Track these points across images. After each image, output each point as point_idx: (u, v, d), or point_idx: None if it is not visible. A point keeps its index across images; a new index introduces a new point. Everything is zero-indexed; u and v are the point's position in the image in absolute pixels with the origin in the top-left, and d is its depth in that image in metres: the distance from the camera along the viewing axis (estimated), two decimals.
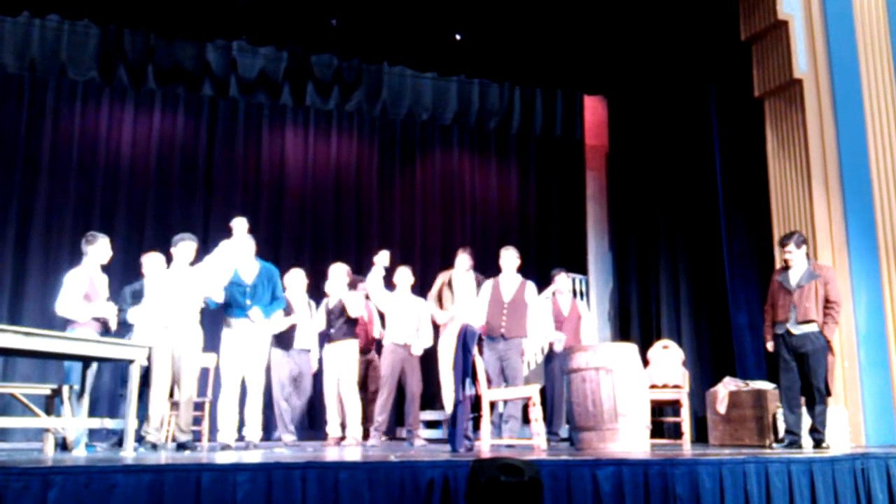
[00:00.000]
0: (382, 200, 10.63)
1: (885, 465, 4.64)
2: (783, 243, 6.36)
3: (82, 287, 6.13)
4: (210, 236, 9.64)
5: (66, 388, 5.52)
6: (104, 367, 6.50)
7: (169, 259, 6.64)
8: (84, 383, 5.54)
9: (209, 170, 9.88)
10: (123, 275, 8.08)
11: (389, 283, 7.77)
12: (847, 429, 6.83)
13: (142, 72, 9.54)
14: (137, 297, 6.66)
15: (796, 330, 6.12)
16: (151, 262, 7.00)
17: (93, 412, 5.75)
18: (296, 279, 7.83)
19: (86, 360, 5.51)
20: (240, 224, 7.01)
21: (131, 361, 5.36)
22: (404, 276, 7.79)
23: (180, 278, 6.34)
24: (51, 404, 5.58)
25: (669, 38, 9.21)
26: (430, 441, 8.14)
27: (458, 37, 9.46)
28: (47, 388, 5.68)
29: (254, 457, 4.51)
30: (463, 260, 7.82)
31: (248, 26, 9.27)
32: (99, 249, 6.32)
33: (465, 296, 7.68)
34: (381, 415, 7.47)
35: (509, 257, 7.63)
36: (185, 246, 6.45)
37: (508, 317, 7.36)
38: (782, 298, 6.23)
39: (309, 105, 10.35)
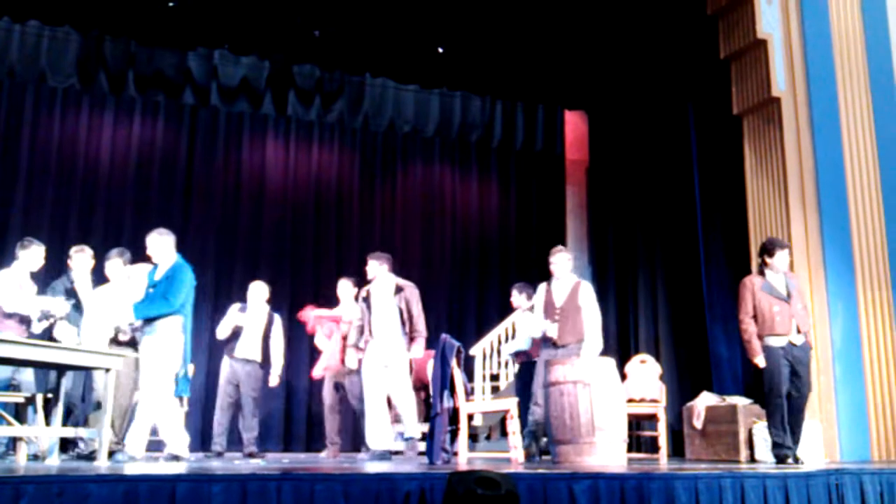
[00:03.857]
0: (363, 212, 10.62)
1: (858, 481, 4.68)
2: (782, 246, 6.06)
3: (14, 285, 6.07)
4: (188, 245, 9.59)
5: (39, 397, 5.46)
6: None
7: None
8: (58, 391, 5.48)
9: (189, 178, 9.83)
10: (98, 282, 8.01)
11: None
12: (822, 444, 6.88)
13: (122, 79, 9.50)
14: (72, 296, 6.40)
15: (798, 341, 5.88)
16: (82, 260, 6.62)
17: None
18: (256, 291, 7.78)
19: (60, 369, 5.45)
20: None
21: (107, 370, 5.31)
22: (346, 288, 7.85)
23: (121, 296, 6.11)
24: (23, 412, 5.51)
25: (650, 55, 9.29)
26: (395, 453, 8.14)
27: (440, 50, 9.50)
28: (20, 396, 5.61)
29: (228, 468, 4.48)
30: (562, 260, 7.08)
31: (230, 35, 9.26)
32: (31, 256, 6.23)
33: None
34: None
35: (563, 260, 6.96)
36: (139, 268, 6.20)
37: (561, 322, 6.80)
38: (778, 307, 5.89)
39: (290, 115, 10.34)
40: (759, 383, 6.02)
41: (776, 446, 5.85)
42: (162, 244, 5.85)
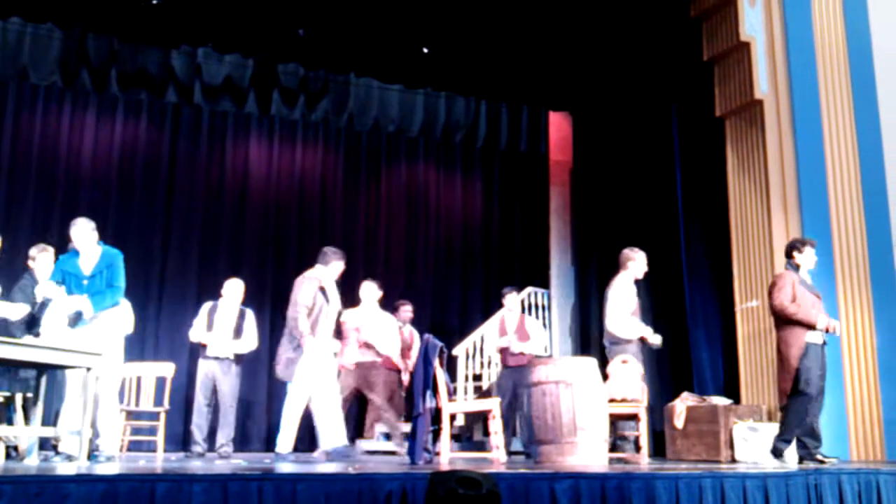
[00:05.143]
0: (346, 211, 10.59)
1: (837, 481, 4.72)
2: (812, 244, 6.09)
3: None
4: (171, 244, 9.56)
5: (19, 396, 5.42)
6: None
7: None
8: (38, 391, 5.44)
9: (171, 177, 9.76)
10: None
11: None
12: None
13: (105, 76, 9.43)
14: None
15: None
16: (46, 260, 6.50)
17: None
18: (232, 288, 7.68)
19: (40, 368, 5.41)
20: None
21: (88, 369, 5.28)
22: (370, 290, 7.84)
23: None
24: (1, 412, 5.47)
25: (634, 56, 9.32)
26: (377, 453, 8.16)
27: (425, 50, 9.50)
28: None
29: (209, 468, 4.47)
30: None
31: (214, 33, 9.22)
32: None
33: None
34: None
35: (643, 261, 7.02)
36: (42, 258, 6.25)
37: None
38: (817, 304, 5.91)
39: (274, 114, 10.29)
40: (795, 381, 5.81)
41: (784, 442, 5.81)
42: (89, 232, 5.82)
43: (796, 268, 6.05)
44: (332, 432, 6.52)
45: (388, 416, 7.56)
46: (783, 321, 5.92)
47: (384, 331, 7.94)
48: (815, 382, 5.78)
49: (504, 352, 8.01)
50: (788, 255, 6.16)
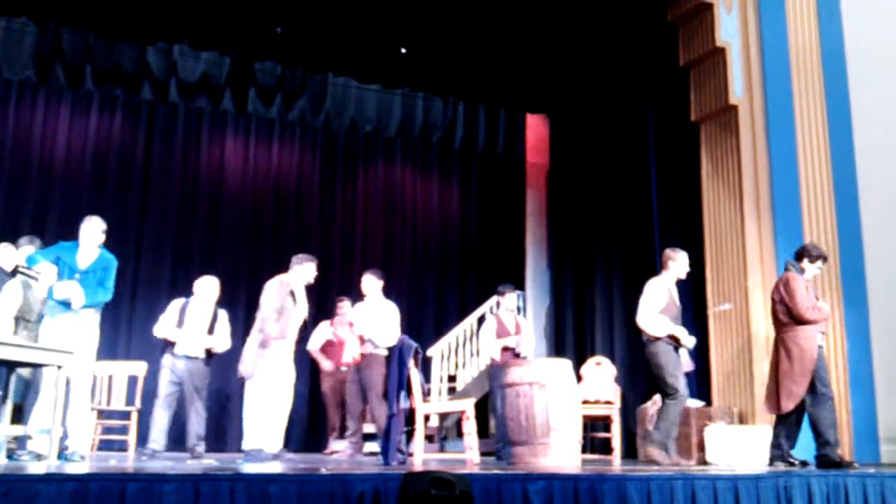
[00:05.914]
0: (323, 211, 10.57)
1: (806, 484, 4.77)
2: (825, 260, 6.11)
3: None
4: (145, 242, 9.48)
5: None
6: None
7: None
8: (7, 389, 5.38)
9: (146, 174, 9.69)
10: None
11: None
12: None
13: (79, 72, 9.34)
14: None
15: None
16: (5, 254, 6.36)
17: None
18: (204, 286, 7.49)
19: (9, 365, 5.35)
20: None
21: (59, 367, 5.23)
22: (371, 283, 7.76)
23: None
24: None
25: (611, 60, 9.38)
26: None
27: (403, 50, 9.49)
28: None
29: (180, 468, 4.44)
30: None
31: (190, 30, 9.16)
32: None
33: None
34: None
35: (685, 260, 6.56)
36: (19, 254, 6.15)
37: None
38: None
39: (251, 112, 10.24)
40: (811, 384, 5.84)
41: (831, 447, 5.77)
42: (99, 233, 5.89)
43: (801, 271, 6.05)
44: (276, 435, 6.52)
45: (378, 416, 7.29)
46: (796, 323, 5.85)
47: (381, 322, 7.63)
48: (829, 382, 5.84)
49: (506, 352, 7.79)
50: (798, 258, 6.10)
